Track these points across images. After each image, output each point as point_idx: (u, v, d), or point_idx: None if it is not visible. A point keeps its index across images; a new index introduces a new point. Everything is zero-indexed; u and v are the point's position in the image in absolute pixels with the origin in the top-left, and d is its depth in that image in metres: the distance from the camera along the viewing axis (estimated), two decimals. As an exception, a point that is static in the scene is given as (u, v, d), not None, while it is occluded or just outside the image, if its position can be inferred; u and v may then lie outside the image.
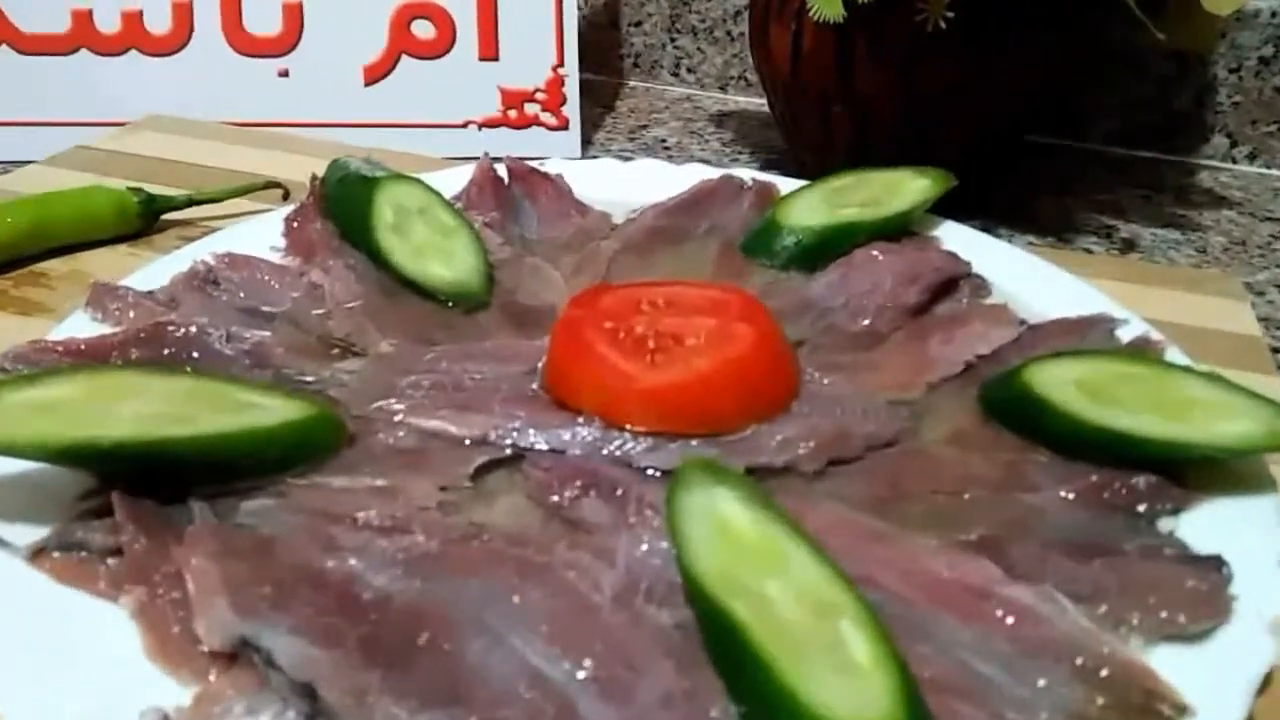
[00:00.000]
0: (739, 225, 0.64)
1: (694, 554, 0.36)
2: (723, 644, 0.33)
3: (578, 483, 0.42)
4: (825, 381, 0.49)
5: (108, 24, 0.86)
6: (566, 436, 0.45)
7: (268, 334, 0.51)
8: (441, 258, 0.57)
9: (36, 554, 0.38)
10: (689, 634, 0.35)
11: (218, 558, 0.36)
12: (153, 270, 0.56)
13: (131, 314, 0.52)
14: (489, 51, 0.88)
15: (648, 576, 0.37)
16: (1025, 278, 0.58)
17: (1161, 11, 0.64)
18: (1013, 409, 0.46)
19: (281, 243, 0.60)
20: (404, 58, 0.88)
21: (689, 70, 1.08)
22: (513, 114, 0.89)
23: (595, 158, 0.87)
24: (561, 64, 0.88)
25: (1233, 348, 0.59)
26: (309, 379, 0.49)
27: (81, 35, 0.86)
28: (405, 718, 0.31)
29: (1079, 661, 0.34)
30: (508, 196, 0.66)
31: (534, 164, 0.69)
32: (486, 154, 0.68)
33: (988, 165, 0.78)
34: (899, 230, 0.61)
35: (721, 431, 0.45)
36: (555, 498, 0.42)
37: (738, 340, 0.46)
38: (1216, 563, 0.37)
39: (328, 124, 0.87)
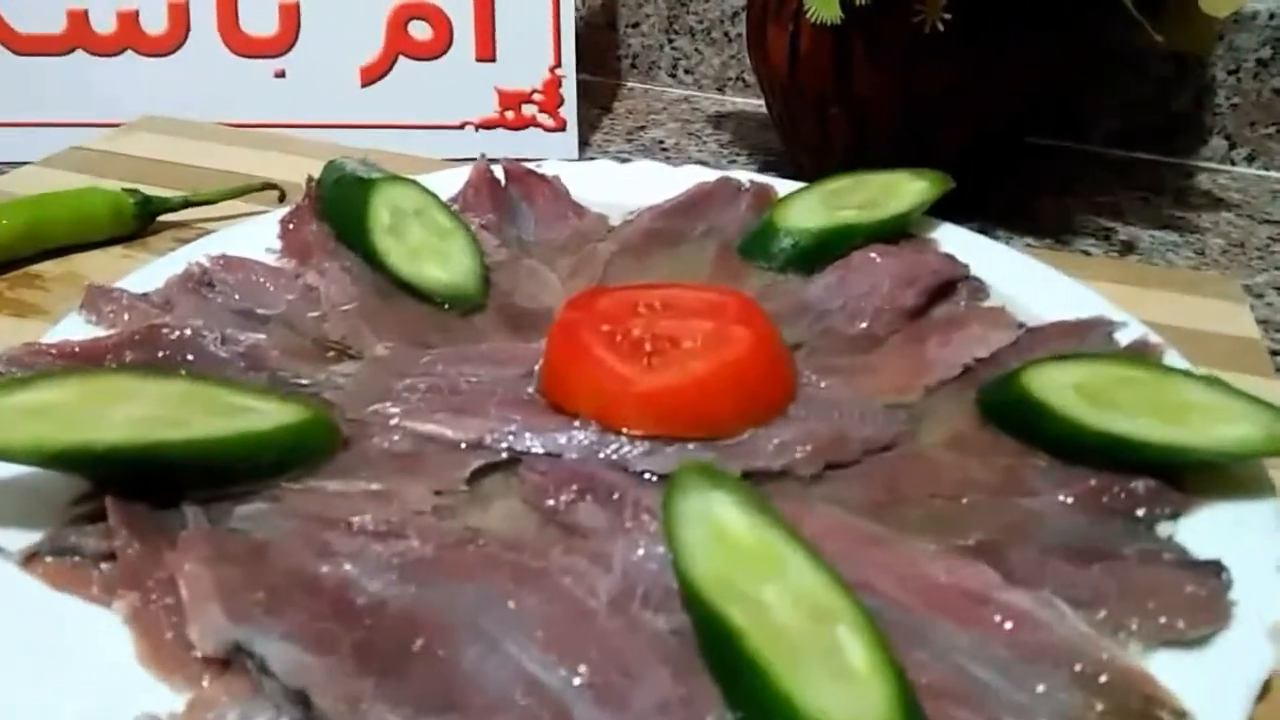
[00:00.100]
0: (736, 227, 0.64)
1: (690, 559, 0.35)
2: (719, 650, 0.33)
3: (574, 487, 0.42)
4: (822, 385, 0.48)
5: (103, 24, 0.86)
6: (563, 440, 0.44)
7: (263, 337, 0.51)
8: (438, 260, 0.57)
9: (29, 559, 0.38)
10: (685, 640, 0.34)
11: (211, 563, 0.36)
12: (147, 272, 0.56)
13: (126, 316, 0.52)
14: (486, 52, 0.87)
15: (644, 582, 0.37)
16: (1023, 280, 0.58)
17: (1160, 13, 0.64)
18: (1011, 413, 0.46)
19: (277, 245, 0.60)
20: (401, 59, 0.87)
21: (686, 71, 1.08)
22: (510, 115, 0.88)
23: (593, 159, 0.87)
24: (559, 65, 0.88)
25: (1231, 350, 0.59)
26: (304, 382, 0.49)
27: (77, 36, 0.86)
28: (399, 725, 0.31)
29: (1078, 667, 0.33)
30: (504, 198, 0.66)
31: (531, 165, 0.68)
32: (483, 155, 0.68)
33: (986, 167, 0.78)
34: (897, 232, 0.61)
35: (718, 435, 0.45)
36: (551, 502, 0.41)
37: (735, 343, 0.46)
38: (1216, 568, 0.37)
39: (324, 125, 0.87)
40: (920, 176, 0.63)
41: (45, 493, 0.40)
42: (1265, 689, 0.34)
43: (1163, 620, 0.35)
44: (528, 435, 0.45)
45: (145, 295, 0.54)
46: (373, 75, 0.88)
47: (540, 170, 0.68)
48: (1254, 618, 0.36)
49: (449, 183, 0.66)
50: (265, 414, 0.42)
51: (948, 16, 0.64)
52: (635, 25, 1.08)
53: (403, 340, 0.52)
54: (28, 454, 0.38)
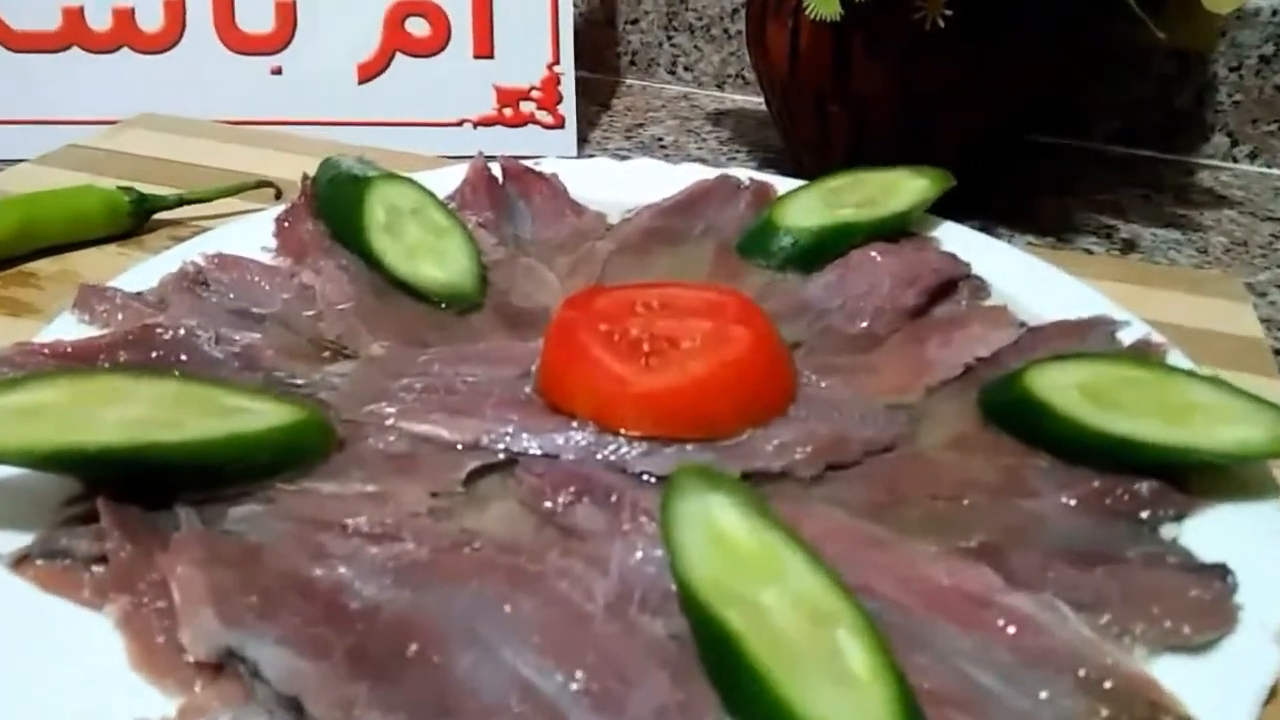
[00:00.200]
0: (735, 226, 0.63)
1: (688, 562, 0.35)
2: (717, 654, 0.33)
3: (571, 488, 0.41)
4: (822, 385, 0.48)
5: (99, 21, 0.85)
6: (560, 441, 0.44)
7: (258, 336, 0.51)
8: (434, 258, 0.56)
9: (19, 561, 0.37)
10: (684, 644, 0.34)
11: (204, 565, 0.35)
12: (142, 271, 0.56)
13: (120, 316, 0.52)
14: (484, 49, 0.87)
15: (642, 585, 0.36)
16: (1025, 279, 0.58)
17: (1161, 10, 0.63)
18: (1013, 413, 0.46)
19: (272, 243, 0.60)
20: (398, 55, 0.87)
21: (686, 68, 1.08)
22: (508, 112, 0.88)
23: (591, 156, 0.87)
24: (557, 62, 0.87)
25: (1234, 349, 0.58)
26: (299, 382, 0.48)
27: (73, 33, 0.85)
28: (393, 731, 0.31)
29: (1081, 672, 0.33)
30: (502, 196, 0.65)
31: (529, 163, 0.68)
32: (481, 153, 0.67)
33: (986, 165, 0.77)
34: (897, 231, 0.60)
35: (717, 436, 0.44)
36: (548, 504, 0.41)
37: (734, 343, 0.46)
38: (1221, 571, 0.37)
39: (321, 122, 0.87)
40: (920, 174, 0.63)
41: (37, 494, 0.40)
42: (1272, 694, 0.34)
43: (1167, 624, 0.35)
44: (525, 436, 0.44)
45: (139, 294, 0.53)
46: (370, 72, 0.87)
47: (538, 168, 0.68)
48: (1260, 622, 0.35)
49: (446, 180, 0.65)
50: (259, 415, 0.41)
51: (948, 13, 0.64)
52: (634, 22, 1.07)
53: (399, 340, 0.51)
54: (18, 455, 0.37)
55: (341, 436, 0.44)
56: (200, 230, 0.64)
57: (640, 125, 0.99)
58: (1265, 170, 0.91)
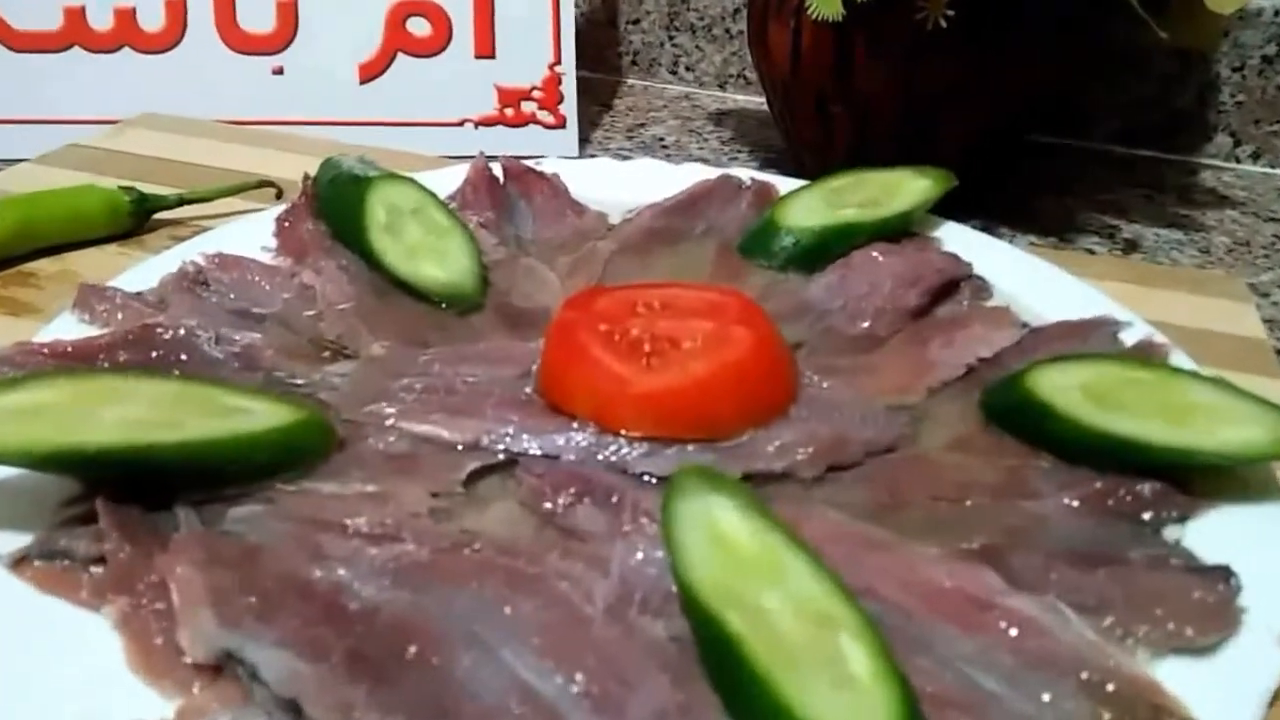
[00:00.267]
0: (737, 226, 0.63)
1: (689, 564, 0.35)
2: (718, 657, 0.32)
3: (571, 489, 0.41)
4: (824, 385, 0.48)
5: (100, 21, 0.85)
6: (560, 442, 0.44)
7: (258, 336, 0.50)
8: (435, 258, 0.56)
9: (18, 562, 0.37)
10: (684, 646, 0.34)
11: (203, 566, 0.35)
12: (142, 271, 0.56)
13: (119, 315, 0.51)
14: (485, 49, 0.87)
15: (642, 586, 0.36)
16: (1027, 279, 0.58)
17: (1164, 10, 0.63)
18: (1015, 414, 0.45)
19: (273, 243, 0.59)
20: (400, 55, 0.87)
21: (687, 68, 1.07)
22: (509, 112, 0.88)
23: (593, 156, 0.87)
24: (559, 62, 0.87)
25: (1237, 350, 0.58)
26: (299, 382, 0.48)
27: (74, 32, 0.85)
28: (392, 734, 0.31)
29: (1084, 675, 0.33)
30: (503, 196, 0.65)
31: (530, 163, 0.68)
32: (482, 153, 0.67)
33: (988, 165, 0.77)
34: (899, 231, 0.60)
35: (718, 437, 0.44)
36: (549, 504, 0.41)
37: (735, 344, 0.46)
38: (1224, 573, 0.36)
39: (323, 122, 0.86)
40: (923, 175, 0.63)
41: (35, 494, 0.39)
42: (1276, 696, 0.34)
43: (1170, 627, 0.35)
44: (525, 436, 0.44)
45: (139, 294, 0.53)
46: (371, 72, 0.87)
47: (539, 168, 0.67)
48: (1264, 625, 0.35)
49: (447, 180, 0.65)
50: (258, 415, 0.41)
51: (950, 13, 0.64)
52: (636, 22, 1.07)
53: (399, 340, 0.51)
54: (17, 456, 0.37)
55: (341, 437, 0.44)
56: (201, 230, 0.64)
57: (642, 125, 0.98)
58: (1268, 170, 0.90)
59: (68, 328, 0.51)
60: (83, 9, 0.84)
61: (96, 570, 0.37)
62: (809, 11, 0.65)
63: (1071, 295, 0.56)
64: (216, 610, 0.33)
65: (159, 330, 0.49)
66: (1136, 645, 0.35)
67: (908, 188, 0.62)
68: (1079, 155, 0.93)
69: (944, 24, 0.64)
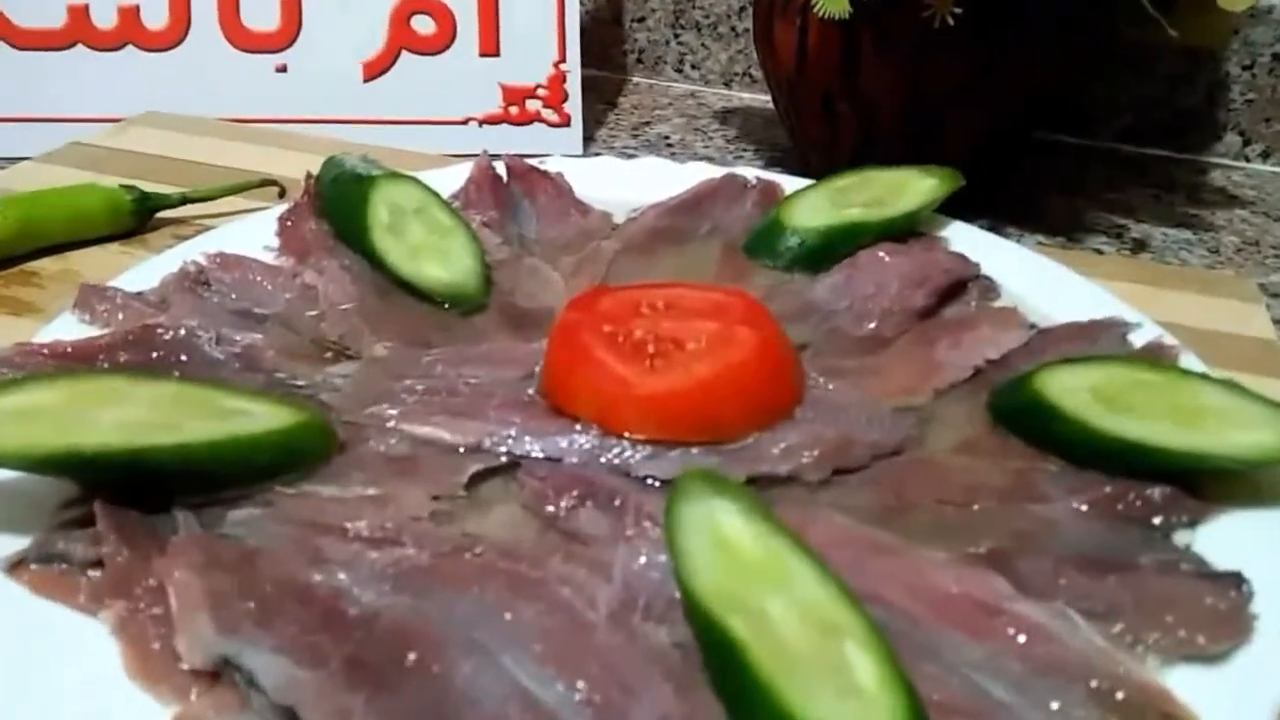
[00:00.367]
0: (742, 225, 0.63)
1: (692, 570, 0.34)
2: (722, 665, 0.32)
3: (574, 492, 0.41)
4: (829, 387, 0.47)
5: (104, 19, 0.85)
6: (563, 444, 0.43)
7: (259, 336, 0.50)
8: (438, 258, 0.56)
9: (14, 565, 0.37)
10: (688, 653, 0.34)
11: (201, 570, 0.35)
12: (143, 270, 0.55)
13: (120, 316, 0.51)
14: (490, 47, 0.86)
15: (645, 592, 0.36)
16: (1034, 279, 0.57)
17: (1174, 7, 0.62)
18: (1023, 416, 0.45)
19: (275, 242, 0.59)
20: (404, 53, 0.87)
21: (693, 66, 1.07)
22: (514, 111, 0.87)
23: (598, 155, 0.86)
24: (563, 60, 0.87)
25: (1246, 351, 0.58)
26: (301, 383, 0.48)
27: (78, 30, 0.85)
28: (391, 742, 0.30)
29: (1093, 683, 0.32)
30: (507, 195, 0.65)
31: (534, 162, 0.67)
32: (485, 152, 0.67)
33: (995, 163, 0.77)
34: (905, 231, 0.60)
35: (722, 439, 0.43)
36: (551, 508, 0.40)
37: (740, 345, 0.45)
38: (1236, 580, 0.36)
39: (326, 120, 0.86)
40: (929, 174, 0.62)
41: (33, 497, 0.39)
42: (1287, 705, 0.33)
43: (1181, 634, 0.34)
44: (527, 439, 0.44)
45: (140, 294, 0.53)
46: (375, 70, 0.87)
47: (543, 167, 0.67)
48: (1276, 631, 0.35)
49: (450, 179, 0.65)
50: (258, 417, 0.41)
51: (958, 11, 0.63)
52: (641, 20, 1.07)
53: (402, 340, 0.51)
54: (14, 458, 0.37)
55: (342, 439, 0.44)
56: (203, 229, 0.64)
57: (647, 123, 0.98)
58: (1278, 170, 0.90)
59: (68, 328, 0.51)
60: (86, 7, 0.85)
61: (94, 574, 0.37)
62: (815, 9, 0.64)
63: (1080, 296, 0.55)
64: (214, 615, 0.33)
65: (159, 331, 0.48)
66: (1146, 652, 0.34)
67: (914, 187, 0.62)
68: (1087, 154, 0.92)
69: (951, 22, 0.63)
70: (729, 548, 0.35)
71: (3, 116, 0.85)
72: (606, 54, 1.08)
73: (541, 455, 0.43)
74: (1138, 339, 0.51)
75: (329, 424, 0.44)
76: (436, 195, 0.60)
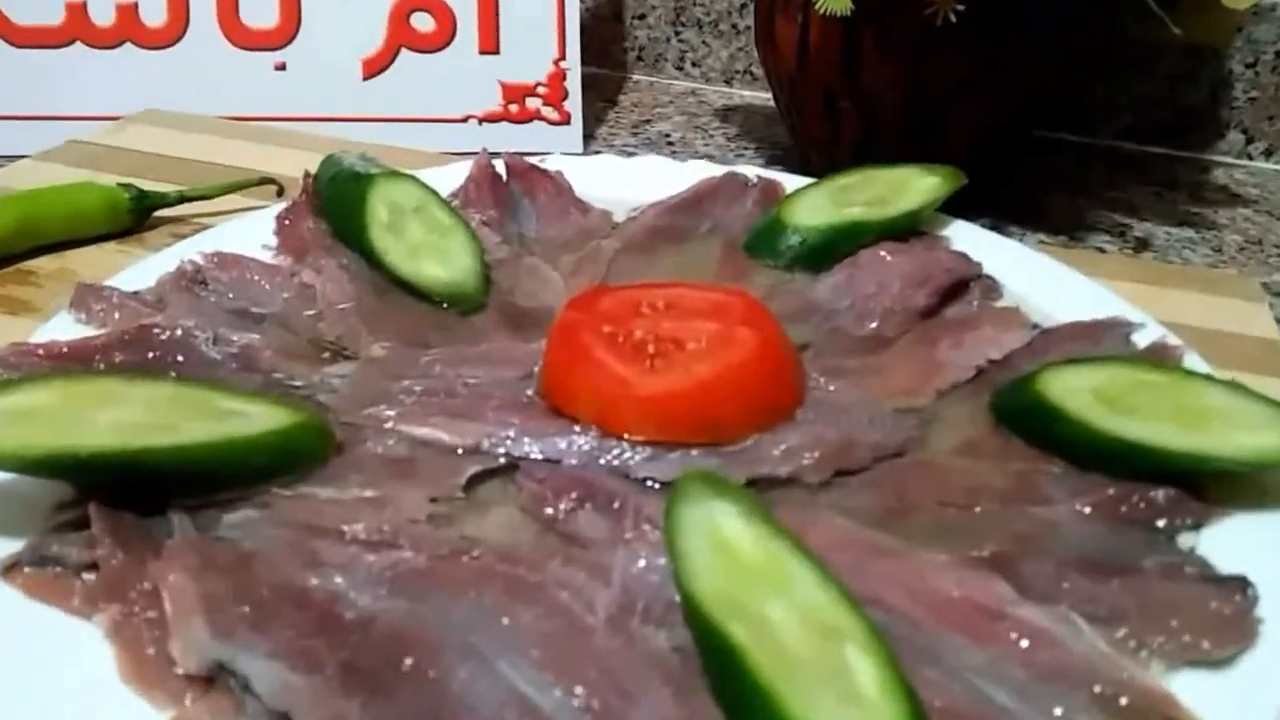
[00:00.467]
0: (743, 224, 0.62)
1: (692, 573, 0.34)
2: (721, 670, 0.32)
3: (573, 494, 0.40)
4: (830, 388, 0.47)
5: (102, 16, 0.85)
6: (562, 445, 0.43)
7: (257, 336, 0.50)
8: (437, 257, 0.55)
9: (8, 568, 0.36)
10: (687, 658, 0.33)
11: (196, 574, 0.34)
12: (140, 270, 0.55)
13: (117, 315, 0.51)
14: (489, 45, 0.86)
15: (645, 595, 0.35)
16: (1037, 279, 0.57)
17: (1177, 5, 0.62)
18: (1026, 417, 0.45)
19: (274, 241, 0.59)
20: (403, 51, 0.86)
21: (693, 64, 1.07)
22: (514, 108, 0.87)
23: (598, 153, 0.86)
24: (563, 58, 0.86)
25: (1249, 351, 0.57)
26: (298, 383, 0.47)
27: (76, 28, 0.85)
28: (386, 749, 0.30)
29: (1097, 688, 0.32)
30: (506, 194, 0.64)
31: (533, 160, 0.67)
32: (485, 150, 0.66)
33: (997, 161, 0.76)
34: (907, 230, 0.59)
35: (723, 441, 0.43)
36: (549, 510, 0.40)
37: (740, 346, 0.45)
38: (1241, 584, 0.35)
39: (326, 118, 0.86)
40: (931, 173, 0.62)
41: (27, 499, 0.39)
42: (1293, 711, 0.33)
43: (1186, 638, 0.34)
44: (526, 440, 0.43)
45: (137, 294, 0.52)
46: (375, 68, 0.87)
47: (543, 165, 0.67)
48: (1281, 636, 0.34)
49: (449, 178, 0.64)
50: (254, 419, 0.40)
51: (960, 8, 0.63)
52: (641, 17, 1.06)
53: (400, 340, 0.50)
54: (9, 460, 0.36)
55: (340, 440, 0.43)
56: (202, 228, 0.64)
57: (647, 121, 0.98)
58: (1281, 168, 0.90)
59: (64, 327, 0.50)
60: (84, 4, 0.84)
61: (89, 577, 0.36)
62: (817, 6, 0.64)
63: (1083, 295, 0.55)
64: (209, 619, 0.33)
65: (156, 331, 0.48)
66: (1150, 657, 0.34)
67: (916, 186, 0.61)
68: (1089, 152, 0.92)
69: (954, 19, 0.63)
70: (729, 550, 0.35)
71: (0, 114, 0.84)
72: (607, 51, 1.08)
73: (540, 456, 0.43)
74: (1141, 339, 0.51)
75: (326, 425, 0.43)
76: (435, 194, 0.60)
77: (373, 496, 0.41)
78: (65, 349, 0.47)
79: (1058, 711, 0.32)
